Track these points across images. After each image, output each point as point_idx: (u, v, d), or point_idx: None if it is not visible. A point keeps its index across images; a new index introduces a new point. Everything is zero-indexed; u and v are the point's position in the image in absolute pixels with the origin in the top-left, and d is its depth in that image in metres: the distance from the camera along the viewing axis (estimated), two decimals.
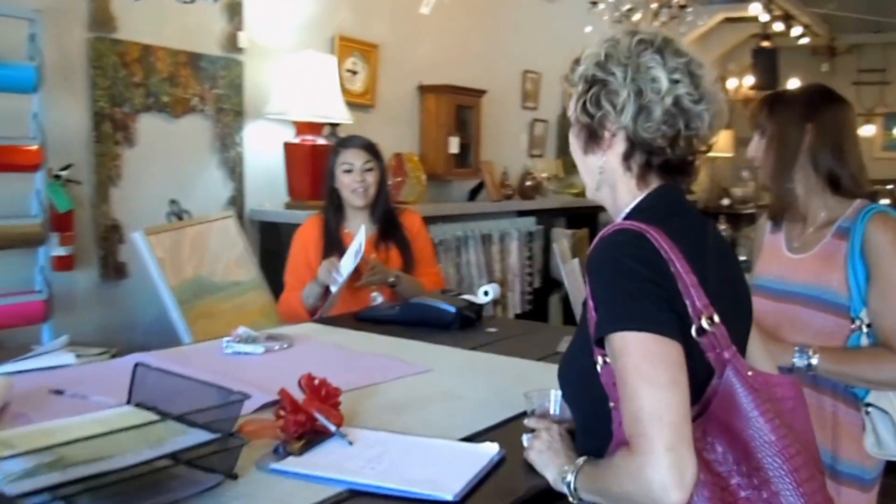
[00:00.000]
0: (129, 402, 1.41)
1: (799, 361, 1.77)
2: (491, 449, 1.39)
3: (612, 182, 1.31)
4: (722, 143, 8.33)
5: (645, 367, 1.09)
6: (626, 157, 1.27)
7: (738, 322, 1.28)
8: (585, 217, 6.14)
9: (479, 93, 5.02)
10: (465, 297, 2.52)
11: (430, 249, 3.12)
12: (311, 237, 2.94)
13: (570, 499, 1.23)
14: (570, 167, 6.35)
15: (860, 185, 1.88)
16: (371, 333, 2.37)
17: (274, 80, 3.84)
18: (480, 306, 2.49)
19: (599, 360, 1.19)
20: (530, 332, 2.47)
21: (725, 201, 8.46)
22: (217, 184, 3.71)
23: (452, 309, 2.41)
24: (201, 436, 1.19)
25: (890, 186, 10.12)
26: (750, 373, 1.16)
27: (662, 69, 1.22)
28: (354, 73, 4.37)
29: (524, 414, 1.61)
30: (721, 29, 7.23)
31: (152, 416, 1.30)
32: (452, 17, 4.97)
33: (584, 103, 1.28)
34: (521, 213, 5.47)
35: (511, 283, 5.30)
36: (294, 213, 3.69)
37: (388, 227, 2.95)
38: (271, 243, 3.82)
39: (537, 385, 1.82)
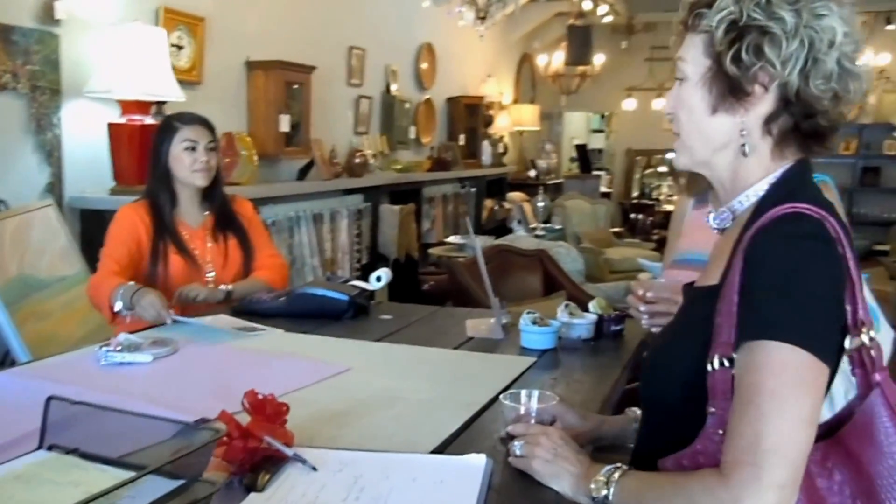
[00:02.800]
0: (41, 445, 1.12)
1: None
2: (479, 461, 1.22)
3: (741, 149, 1.10)
4: (527, 117, 8.52)
5: (790, 394, 0.93)
6: (771, 118, 1.07)
7: None
8: (409, 193, 6.09)
9: (309, 69, 4.75)
10: (356, 283, 2.31)
11: (267, 233, 2.82)
12: (141, 221, 2.49)
13: None
14: (394, 144, 6.23)
15: None
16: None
17: (95, 56, 3.39)
18: (372, 293, 2.30)
19: (716, 360, 1.00)
20: (428, 318, 2.31)
21: (532, 173, 8.66)
22: (32, 170, 3.23)
23: (345, 297, 2.19)
24: (160, 484, 0.94)
25: (671, 155, 10.83)
26: None
27: (838, 18, 1.02)
28: (180, 47, 3.98)
29: (481, 414, 1.47)
30: (528, 8, 7.35)
31: (80, 463, 1.03)
32: None
33: (739, 51, 1.04)
34: (348, 192, 5.30)
35: (340, 262, 5.16)
36: (120, 200, 3.25)
37: (224, 215, 2.61)
38: (95, 232, 3.35)
39: (471, 377, 1.70)
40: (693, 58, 1.11)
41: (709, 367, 1.02)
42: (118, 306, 2.24)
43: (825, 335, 0.97)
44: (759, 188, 1.10)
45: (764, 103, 1.07)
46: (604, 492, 1.07)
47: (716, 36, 1.07)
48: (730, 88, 1.08)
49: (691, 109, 1.13)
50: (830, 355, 0.97)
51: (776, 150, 1.10)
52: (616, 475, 1.08)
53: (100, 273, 2.43)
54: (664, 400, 1.14)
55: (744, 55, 1.05)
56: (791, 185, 1.07)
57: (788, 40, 1.02)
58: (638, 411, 1.41)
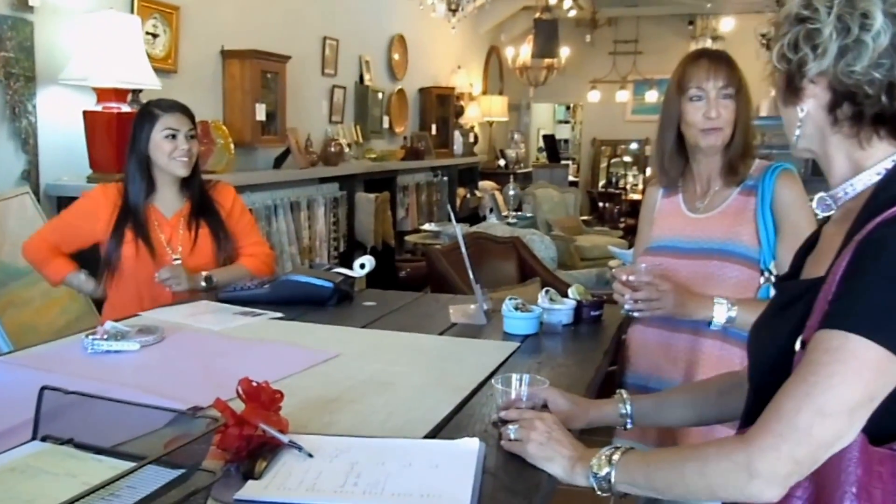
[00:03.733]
0: (34, 436, 1.07)
1: (719, 314, 1.72)
2: (473, 445, 1.20)
3: (819, 138, 1.08)
4: (496, 108, 8.49)
5: (847, 382, 0.90)
6: (831, 107, 1.04)
7: None
8: (383, 182, 6.06)
9: (284, 58, 4.68)
10: (339, 270, 2.26)
11: (251, 221, 2.71)
12: (109, 202, 2.43)
13: (598, 492, 1.09)
14: (368, 133, 6.18)
15: (754, 147, 1.88)
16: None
17: (70, 43, 3.30)
18: (354, 279, 2.26)
19: (798, 342, 0.98)
20: (411, 304, 2.27)
21: (502, 162, 8.64)
22: (8, 157, 3.15)
23: (329, 285, 2.15)
24: (159, 474, 0.91)
25: (634, 145, 10.90)
26: None
27: (880, 2, 0.98)
28: (155, 35, 3.89)
29: (471, 398, 1.45)
30: (495, 2, 7.32)
31: (75, 453, 0.99)
32: None
33: (782, 47, 1.04)
34: (324, 180, 5.25)
35: (318, 249, 5.12)
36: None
37: (201, 202, 2.53)
38: None
39: (458, 362, 1.68)
40: (773, 53, 1.09)
41: (797, 347, 0.99)
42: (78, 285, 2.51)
43: None
44: (866, 178, 1.05)
45: (819, 94, 1.05)
46: (606, 470, 1.08)
47: (779, 33, 1.07)
48: (786, 82, 1.08)
49: (777, 98, 1.13)
50: None
51: (861, 139, 1.04)
52: (616, 455, 1.09)
53: (38, 238, 2.52)
54: (759, 381, 1.11)
55: (785, 50, 1.05)
56: None
57: (821, 31, 1.01)
58: (625, 393, 1.40)
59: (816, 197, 1.14)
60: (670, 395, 1.45)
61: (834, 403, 0.90)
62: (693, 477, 0.99)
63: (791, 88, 1.07)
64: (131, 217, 2.42)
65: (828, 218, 1.13)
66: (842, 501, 0.93)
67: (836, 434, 0.92)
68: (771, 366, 1.05)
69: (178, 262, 2.42)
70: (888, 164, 1.03)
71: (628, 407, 1.37)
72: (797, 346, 0.99)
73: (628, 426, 1.38)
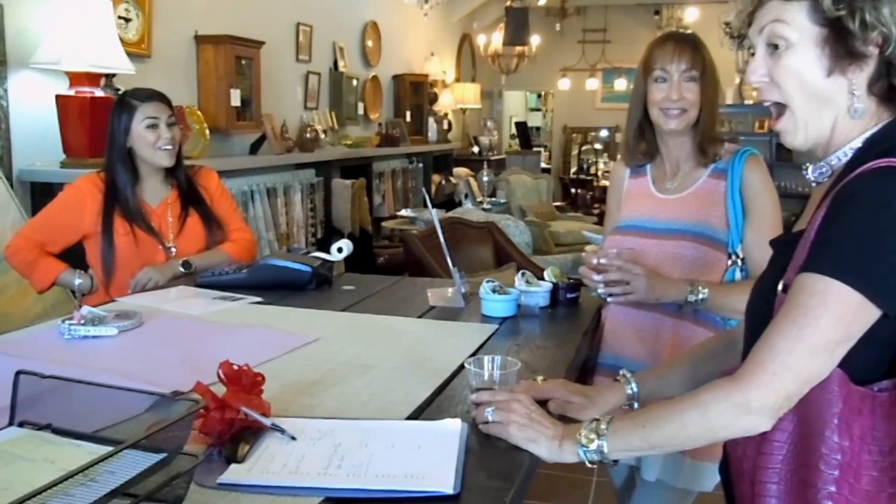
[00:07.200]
0: (11, 421, 1.03)
1: (691, 297, 1.72)
2: (455, 425, 1.18)
3: (850, 108, 1.08)
4: (469, 96, 8.46)
5: (831, 325, 0.96)
6: (874, 79, 1.06)
7: None
8: (360, 168, 6.02)
9: (258, 44, 4.61)
10: (317, 254, 2.23)
11: (233, 206, 2.66)
12: (91, 197, 2.35)
13: (588, 464, 1.09)
14: (343, 119, 6.11)
15: (719, 129, 1.87)
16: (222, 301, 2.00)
17: (41, 26, 3.21)
18: (333, 263, 2.22)
19: (780, 285, 1.05)
20: (390, 288, 2.24)
21: (475, 149, 8.61)
22: None
23: (308, 269, 2.11)
24: (140, 459, 0.87)
25: (604, 133, 10.92)
26: None
27: None
28: (128, 20, 3.80)
29: (451, 380, 1.43)
30: None
31: (53, 439, 0.95)
32: None
33: (864, 14, 1.02)
34: (300, 166, 5.19)
35: (296, 235, 5.06)
36: (72, 173, 3.13)
37: (188, 189, 2.48)
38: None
39: (437, 344, 1.65)
40: (798, 24, 1.07)
41: (779, 289, 1.06)
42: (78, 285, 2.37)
43: (885, 278, 0.96)
44: (856, 144, 1.08)
45: (872, 64, 1.06)
46: (596, 442, 1.08)
47: (825, 2, 1.04)
48: (847, 51, 1.05)
49: (801, 75, 1.08)
50: (888, 298, 0.96)
51: (877, 109, 1.08)
52: (603, 425, 1.09)
53: (19, 240, 2.39)
54: (750, 327, 1.16)
55: (868, 17, 1.03)
56: (892, 142, 1.04)
57: (892, 3, 1.03)
58: (628, 374, 1.40)
59: (812, 166, 1.15)
60: (668, 368, 1.44)
61: (822, 343, 0.97)
62: (695, 425, 1.04)
63: (854, 56, 1.05)
64: (120, 209, 2.35)
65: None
66: (823, 433, 0.99)
67: (820, 371, 0.98)
68: (759, 311, 1.12)
69: (174, 250, 2.39)
70: (875, 129, 1.08)
71: (634, 387, 1.38)
72: (779, 288, 1.06)
73: (635, 406, 1.37)
